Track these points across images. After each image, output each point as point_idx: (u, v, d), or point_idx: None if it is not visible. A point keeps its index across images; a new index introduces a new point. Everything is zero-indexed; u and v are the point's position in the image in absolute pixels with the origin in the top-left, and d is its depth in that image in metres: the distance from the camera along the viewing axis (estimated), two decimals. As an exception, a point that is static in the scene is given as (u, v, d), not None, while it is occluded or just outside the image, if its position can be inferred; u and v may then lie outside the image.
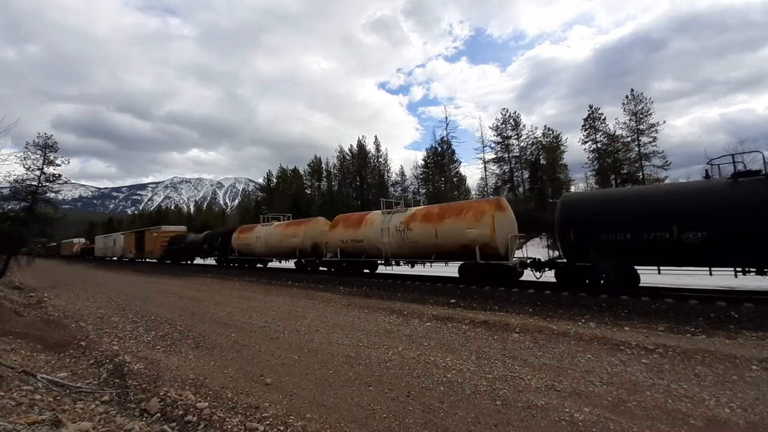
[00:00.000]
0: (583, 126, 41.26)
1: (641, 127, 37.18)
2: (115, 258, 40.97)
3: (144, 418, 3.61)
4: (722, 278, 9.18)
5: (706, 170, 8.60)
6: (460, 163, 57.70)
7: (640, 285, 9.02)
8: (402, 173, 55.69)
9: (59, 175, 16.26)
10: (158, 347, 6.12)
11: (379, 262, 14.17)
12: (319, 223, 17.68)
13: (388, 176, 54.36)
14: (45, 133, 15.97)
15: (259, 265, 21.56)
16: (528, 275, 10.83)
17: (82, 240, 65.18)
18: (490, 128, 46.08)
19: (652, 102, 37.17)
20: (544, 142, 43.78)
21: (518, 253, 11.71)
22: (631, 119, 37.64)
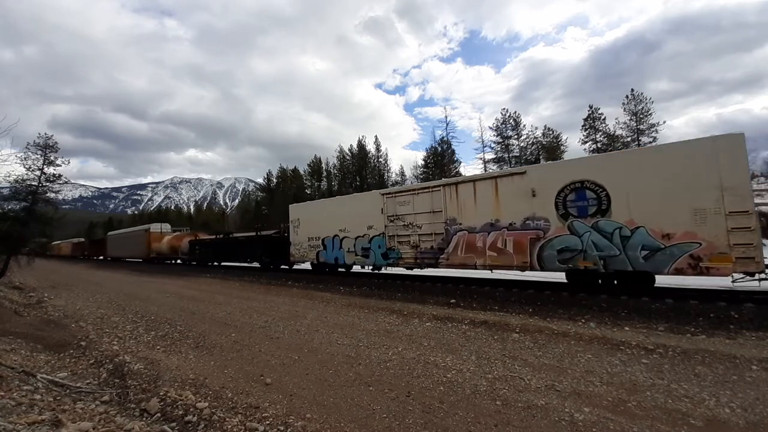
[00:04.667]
0: (582, 126, 41.38)
1: (641, 127, 37.26)
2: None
3: (144, 418, 3.61)
4: (722, 278, 9.14)
5: None
6: (460, 163, 57.82)
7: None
8: (402, 173, 55.76)
9: (59, 175, 16.29)
10: (158, 347, 6.12)
11: None
12: None
13: (388, 176, 54.48)
14: (45, 134, 16.00)
15: None
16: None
17: (167, 227, 31.24)
18: (490, 128, 46.16)
19: (652, 102, 37.28)
20: (544, 142, 43.84)
21: None
22: (631, 119, 37.73)
